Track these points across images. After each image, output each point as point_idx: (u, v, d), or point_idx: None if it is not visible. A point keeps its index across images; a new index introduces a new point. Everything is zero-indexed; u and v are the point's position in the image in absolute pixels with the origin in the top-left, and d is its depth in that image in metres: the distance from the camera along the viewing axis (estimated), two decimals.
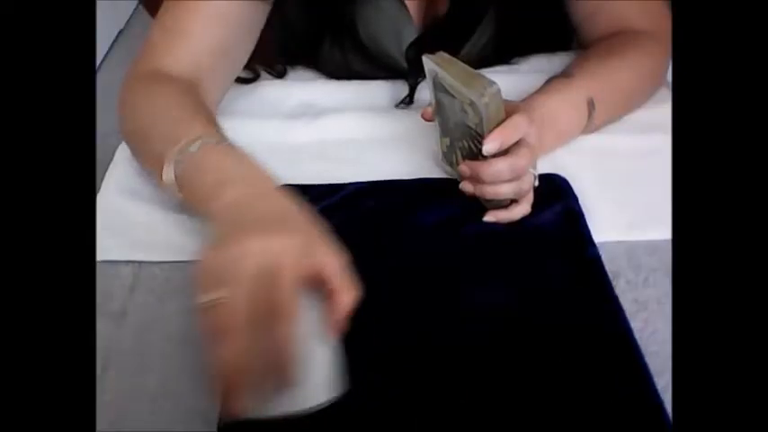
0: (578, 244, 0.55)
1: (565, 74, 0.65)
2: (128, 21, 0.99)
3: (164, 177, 0.53)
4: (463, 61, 0.54)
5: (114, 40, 0.94)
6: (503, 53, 0.77)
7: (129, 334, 0.51)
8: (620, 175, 0.63)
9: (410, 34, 0.73)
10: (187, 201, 0.53)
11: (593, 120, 0.64)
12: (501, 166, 0.53)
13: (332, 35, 0.75)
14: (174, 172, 0.52)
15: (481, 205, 0.57)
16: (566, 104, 0.62)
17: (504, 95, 0.52)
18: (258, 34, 0.68)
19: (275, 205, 0.47)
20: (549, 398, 0.45)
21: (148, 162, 0.59)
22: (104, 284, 0.55)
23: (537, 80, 0.66)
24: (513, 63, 0.78)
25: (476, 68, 0.53)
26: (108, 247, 0.57)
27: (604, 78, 0.65)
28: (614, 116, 0.68)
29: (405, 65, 0.73)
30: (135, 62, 0.65)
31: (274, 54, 0.76)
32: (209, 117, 0.58)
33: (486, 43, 0.75)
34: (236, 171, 0.50)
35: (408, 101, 0.73)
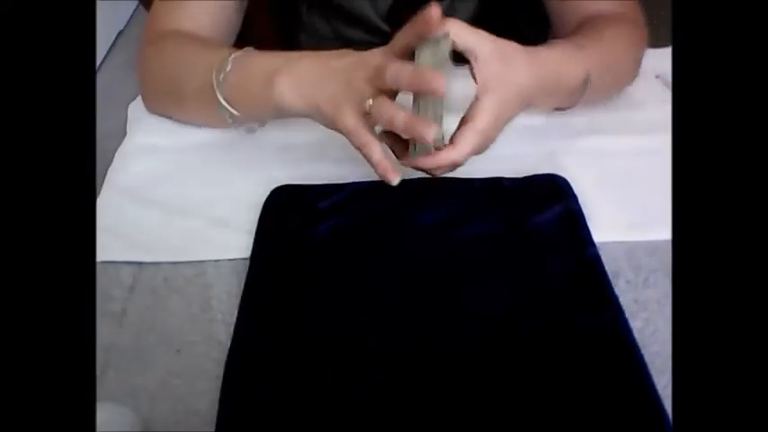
0: (578, 244, 0.55)
1: (576, 43, 0.63)
2: (128, 21, 0.99)
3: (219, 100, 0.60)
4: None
5: (114, 41, 0.94)
6: None
7: (129, 334, 0.51)
8: (620, 175, 0.63)
9: None
10: (247, 112, 0.61)
11: (578, 97, 0.63)
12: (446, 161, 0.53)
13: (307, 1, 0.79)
14: (222, 94, 0.59)
15: (481, 206, 0.57)
16: (572, 76, 0.61)
17: None
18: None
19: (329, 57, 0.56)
20: (548, 398, 0.45)
21: (190, 103, 0.66)
22: (104, 284, 0.55)
23: None
24: None
25: (457, 60, 0.53)
26: (108, 247, 0.57)
27: (603, 57, 0.64)
28: (595, 96, 0.66)
29: (383, 26, 0.75)
30: (143, 36, 0.70)
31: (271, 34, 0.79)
32: (224, 45, 0.67)
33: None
34: (277, 61, 0.58)
35: None
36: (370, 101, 0.51)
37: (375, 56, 0.53)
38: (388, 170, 0.53)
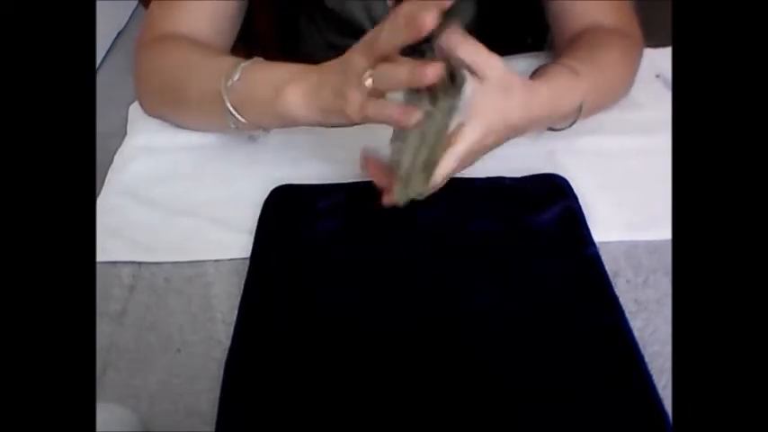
0: (578, 244, 0.55)
1: (572, 69, 0.63)
2: (128, 21, 0.99)
3: (227, 106, 0.60)
4: None
5: (114, 41, 0.94)
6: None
7: (129, 334, 0.51)
8: (620, 175, 0.63)
9: (379, 7, 0.75)
10: (253, 119, 0.60)
11: (572, 120, 0.64)
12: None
13: (306, 12, 0.79)
14: (229, 101, 0.59)
15: (481, 205, 0.57)
16: (567, 106, 0.62)
17: None
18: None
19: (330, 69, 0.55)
20: (548, 397, 0.45)
21: (192, 107, 0.65)
22: (104, 284, 0.55)
23: None
24: None
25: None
26: (108, 248, 0.57)
27: (597, 83, 0.64)
28: (588, 116, 0.66)
29: None
30: (139, 37, 0.70)
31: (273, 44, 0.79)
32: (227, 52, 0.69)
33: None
34: (286, 72, 0.58)
35: None
36: (369, 79, 0.50)
37: (356, 54, 0.52)
38: (409, 112, 0.49)
